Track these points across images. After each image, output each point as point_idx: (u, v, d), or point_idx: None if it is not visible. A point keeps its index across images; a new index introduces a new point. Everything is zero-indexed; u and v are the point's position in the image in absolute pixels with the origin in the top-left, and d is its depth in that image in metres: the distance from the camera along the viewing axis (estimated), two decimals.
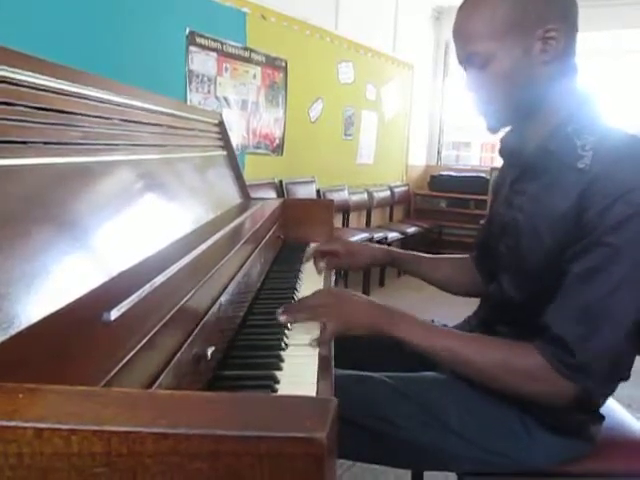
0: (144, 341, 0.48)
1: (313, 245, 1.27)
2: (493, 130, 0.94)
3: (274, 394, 0.68)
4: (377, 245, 1.30)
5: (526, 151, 0.92)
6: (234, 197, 1.53)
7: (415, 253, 1.27)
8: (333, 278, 1.35)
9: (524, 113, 0.90)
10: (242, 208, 1.42)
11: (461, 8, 0.89)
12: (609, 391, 0.92)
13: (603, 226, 0.76)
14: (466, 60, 0.89)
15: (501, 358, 0.82)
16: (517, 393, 0.83)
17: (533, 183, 0.90)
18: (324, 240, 1.25)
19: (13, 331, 0.44)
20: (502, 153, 1.04)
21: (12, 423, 0.32)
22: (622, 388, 0.96)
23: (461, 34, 0.88)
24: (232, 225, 1.07)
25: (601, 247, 0.76)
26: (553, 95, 0.87)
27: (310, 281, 1.23)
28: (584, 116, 0.86)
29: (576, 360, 0.76)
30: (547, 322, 0.80)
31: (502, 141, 1.02)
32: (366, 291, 3.87)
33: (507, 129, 0.99)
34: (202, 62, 2.80)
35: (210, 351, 0.67)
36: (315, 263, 1.22)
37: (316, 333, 0.87)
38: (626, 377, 0.92)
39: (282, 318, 0.86)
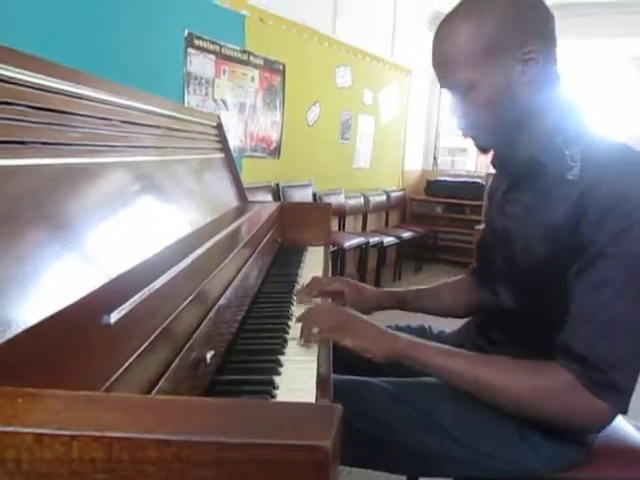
0: (145, 345, 0.47)
1: (306, 282, 1.16)
2: (483, 150, 0.95)
3: (275, 400, 0.67)
4: (374, 288, 1.24)
5: (517, 162, 0.92)
6: (232, 200, 1.52)
7: (415, 288, 1.22)
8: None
9: (511, 130, 0.90)
10: (240, 211, 1.42)
11: (436, 39, 0.88)
12: None
13: (601, 238, 0.76)
14: (449, 88, 0.90)
15: (525, 378, 0.80)
16: (543, 414, 0.81)
17: (525, 193, 0.91)
18: (321, 280, 1.15)
19: (11, 334, 0.43)
20: (494, 163, 1.05)
21: (11, 428, 0.32)
22: None
23: (440, 65, 0.89)
24: (230, 228, 1.06)
25: (604, 259, 0.76)
26: (538, 106, 0.88)
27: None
28: (570, 125, 0.86)
29: (608, 378, 0.75)
30: (567, 342, 0.78)
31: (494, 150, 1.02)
32: None
33: None
34: (200, 64, 2.80)
35: (209, 355, 0.67)
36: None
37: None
38: None
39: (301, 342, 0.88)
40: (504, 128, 0.89)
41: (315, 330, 0.87)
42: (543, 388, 0.79)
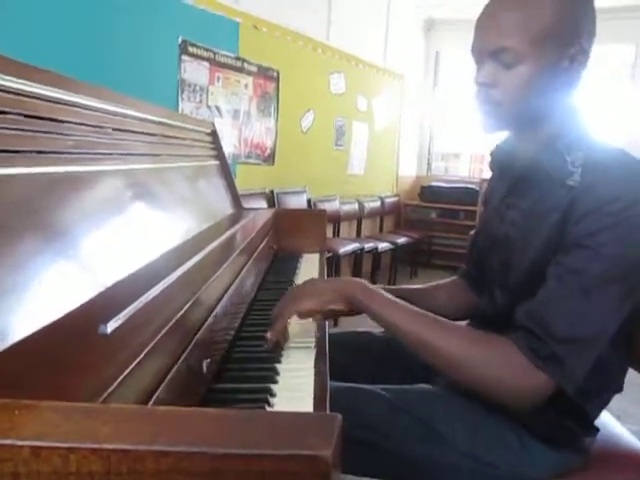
0: (143, 354, 0.47)
1: None
2: (489, 131, 0.91)
3: (273, 408, 0.67)
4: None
5: (517, 166, 0.92)
6: (227, 207, 1.52)
7: (412, 287, 1.21)
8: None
9: (526, 122, 0.89)
10: (235, 218, 1.41)
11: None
12: (600, 402, 0.92)
13: (583, 231, 0.76)
14: (492, 53, 0.84)
15: (471, 346, 0.81)
16: (487, 383, 0.80)
17: (525, 198, 0.90)
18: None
19: (6, 344, 0.42)
20: (492, 166, 1.04)
21: (7, 441, 0.31)
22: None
23: (499, 24, 0.82)
24: (226, 235, 1.06)
25: (580, 249, 0.77)
26: (556, 108, 0.87)
27: None
28: (573, 130, 0.86)
29: (549, 350, 0.76)
30: (521, 318, 0.80)
31: (492, 154, 1.02)
32: None
33: (498, 139, 0.99)
34: (194, 71, 2.80)
35: (206, 363, 0.66)
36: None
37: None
38: (619, 388, 0.93)
39: (269, 336, 0.86)
40: (523, 114, 0.87)
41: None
42: (484, 356, 0.79)
